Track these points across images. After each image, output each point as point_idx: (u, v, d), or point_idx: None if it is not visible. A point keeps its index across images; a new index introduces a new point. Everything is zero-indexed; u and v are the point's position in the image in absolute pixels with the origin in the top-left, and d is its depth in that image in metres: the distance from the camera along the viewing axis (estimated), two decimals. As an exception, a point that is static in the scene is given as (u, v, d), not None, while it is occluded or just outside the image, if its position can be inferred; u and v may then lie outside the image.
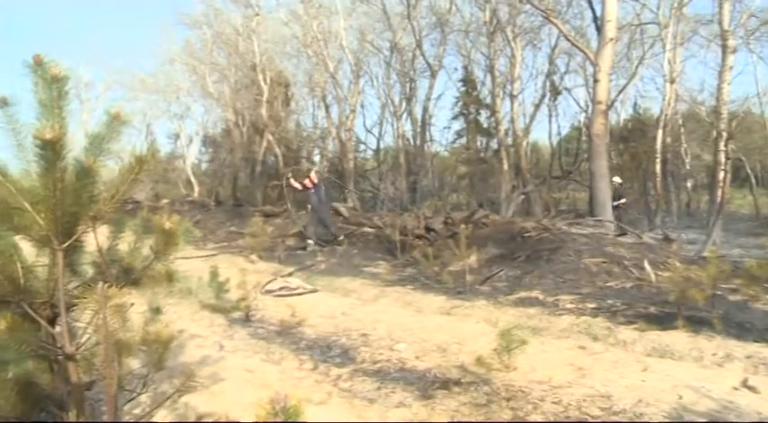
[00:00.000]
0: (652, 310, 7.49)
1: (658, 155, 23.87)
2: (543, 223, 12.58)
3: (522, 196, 23.11)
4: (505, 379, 4.94)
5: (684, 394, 4.49)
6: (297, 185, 15.14)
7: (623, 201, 18.56)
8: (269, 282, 9.71)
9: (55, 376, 2.62)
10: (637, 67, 25.31)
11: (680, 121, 27.51)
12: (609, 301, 8.07)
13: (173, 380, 3.15)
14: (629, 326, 6.90)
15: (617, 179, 19.52)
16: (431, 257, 10.44)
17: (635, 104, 30.29)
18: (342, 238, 14.39)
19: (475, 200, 26.72)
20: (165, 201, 24.67)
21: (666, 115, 24.17)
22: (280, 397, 1.52)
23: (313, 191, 14.39)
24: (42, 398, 2.59)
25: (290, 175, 16.11)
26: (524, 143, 27.11)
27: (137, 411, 3.08)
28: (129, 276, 2.81)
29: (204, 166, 36.86)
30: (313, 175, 14.68)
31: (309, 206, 15.13)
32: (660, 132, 23.86)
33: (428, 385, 5.05)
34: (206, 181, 33.94)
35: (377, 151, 31.97)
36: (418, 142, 28.77)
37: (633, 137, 27.73)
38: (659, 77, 26.09)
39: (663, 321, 6.88)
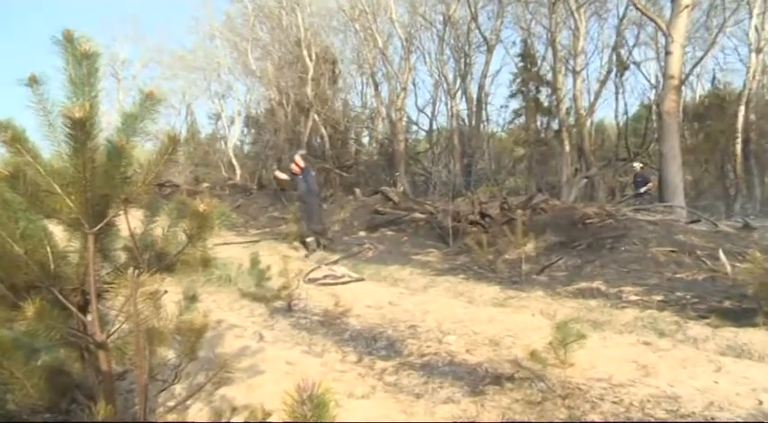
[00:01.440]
0: (727, 304, 7.32)
1: (739, 134, 23.03)
2: (607, 209, 12.39)
3: (585, 180, 22.76)
4: (562, 375, 4.88)
5: (765, 399, 4.36)
6: (283, 177, 14.14)
7: (650, 185, 17.70)
8: (313, 270, 9.84)
9: (86, 365, 2.70)
10: (716, 35, 24.18)
11: (766, 96, 26.28)
12: (678, 294, 7.91)
13: (209, 372, 3.21)
14: (701, 321, 6.73)
15: (637, 164, 19.03)
16: (485, 245, 10.39)
17: (713, 78, 29.12)
18: (328, 240, 13.09)
19: (533, 184, 26.41)
20: (205, 184, 25.11)
21: (750, 89, 23.26)
22: (307, 384, 1.53)
23: (301, 177, 13.14)
24: (72, 387, 2.68)
25: (275, 167, 15.44)
26: (588, 123, 26.54)
27: (171, 403, 3.16)
28: (163, 262, 2.86)
29: (246, 147, 37.18)
30: (298, 158, 13.50)
31: (297, 196, 14.20)
32: (742, 109, 22.99)
33: (478, 380, 5.04)
34: (248, 163, 34.25)
35: (429, 132, 31.84)
36: (473, 122, 28.53)
37: (710, 114, 26.70)
38: (743, 47, 25.17)
39: (739, 317, 6.69)
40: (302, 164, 13.21)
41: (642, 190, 17.14)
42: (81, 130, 2.30)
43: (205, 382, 3.05)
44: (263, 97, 33.45)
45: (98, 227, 2.53)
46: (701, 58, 24.76)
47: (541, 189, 22.16)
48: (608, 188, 24.83)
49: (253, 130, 36.41)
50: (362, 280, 9.51)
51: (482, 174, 26.82)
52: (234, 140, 35.54)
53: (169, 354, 3.07)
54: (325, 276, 9.49)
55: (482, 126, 29.21)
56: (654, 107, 25.25)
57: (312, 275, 9.49)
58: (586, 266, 9.73)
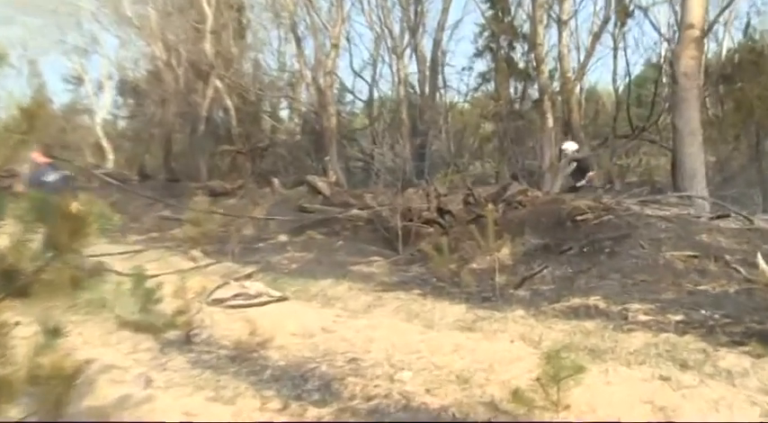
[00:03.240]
0: (770, 325, 7.44)
1: (781, 100, 22.98)
2: (604, 202, 12.54)
3: (574, 164, 23.05)
4: (555, 421, 4.91)
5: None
6: (21, 188, 11.79)
7: (591, 175, 17.00)
8: (218, 287, 9.73)
9: None
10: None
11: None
12: (703, 313, 8.01)
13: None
14: (736, 348, 6.79)
15: (571, 144, 18.35)
16: (446, 251, 10.45)
17: (747, 26, 28.94)
18: None
19: (507, 170, 26.67)
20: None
21: (798, 39, 23.39)
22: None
23: (38, 182, 11.20)
24: None
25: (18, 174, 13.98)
26: (577, 89, 26.87)
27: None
28: (13, 283, 2.75)
29: (122, 123, 36.62)
30: (36, 154, 11.59)
31: None
32: (787, 66, 23.05)
33: (444, 431, 5.04)
34: (125, 145, 33.77)
35: (369, 103, 31.85)
36: (427, 90, 28.67)
37: (741, 75, 26.16)
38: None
39: (788, 343, 6.81)
40: (40, 160, 11.67)
41: (579, 183, 16.59)
42: None
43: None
44: (144, 55, 32.91)
45: None
46: (731, 1, 24.79)
47: (517, 176, 22.40)
48: (605, 174, 25.08)
49: (131, 100, 35.82)
50: (285, 299, 9.46)
51: (439, 157, 27.00)
52: (103, 114, 34.89)
53: (16, 412, 2.95)
54: (236, 296, 9.39)
55: (438, 95, 29.44)
56: (665, 67, 25.43)
57: (218, 295, 9.39)
58: (579, 277, 9.84)
